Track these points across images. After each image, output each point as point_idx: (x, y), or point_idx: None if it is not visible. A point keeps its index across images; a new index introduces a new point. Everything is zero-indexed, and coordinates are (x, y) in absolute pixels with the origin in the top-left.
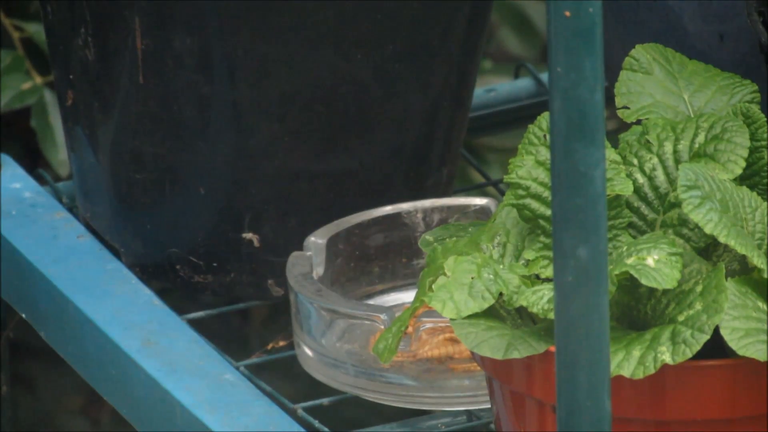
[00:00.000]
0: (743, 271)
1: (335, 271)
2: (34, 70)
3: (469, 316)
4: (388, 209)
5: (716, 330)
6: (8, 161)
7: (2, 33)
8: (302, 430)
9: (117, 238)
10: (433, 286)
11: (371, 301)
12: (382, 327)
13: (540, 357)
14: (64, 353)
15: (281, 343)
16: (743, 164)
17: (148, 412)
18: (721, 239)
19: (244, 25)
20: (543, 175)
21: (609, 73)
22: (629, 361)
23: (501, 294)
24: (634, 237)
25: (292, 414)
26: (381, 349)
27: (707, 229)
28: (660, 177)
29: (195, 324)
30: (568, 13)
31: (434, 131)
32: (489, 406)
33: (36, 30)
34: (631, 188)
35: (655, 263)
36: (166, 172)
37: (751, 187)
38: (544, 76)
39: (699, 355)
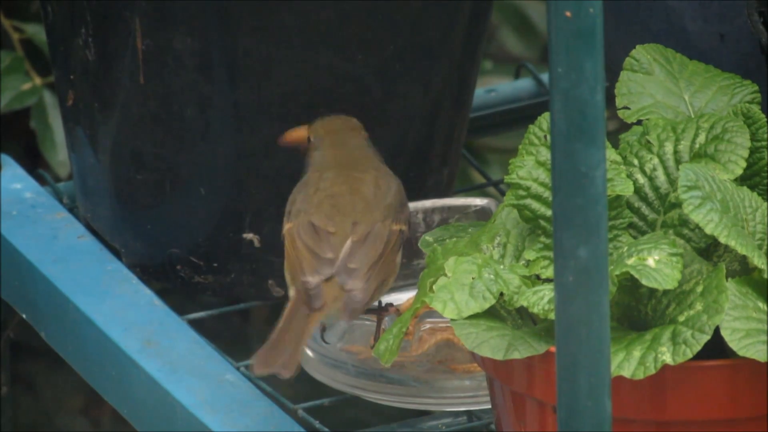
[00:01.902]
0: (744, 271)
1: None
2: (34, 71)
3: (470, 317)
4: None
5: (716, 330)
6: (9, 162)
7: (2, 34)
8: (303, 430)
9: (117, 238)
10: (434, 287)
11: None
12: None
13: (540, 357)
14: (65, 353)
15: None
16: (744, 164)
17: (148, 412)
18: (722, 240)
19: (244, 25)
20: (543, 176)
21: (609, 73)
22: (630, 362)
23: (501, 294)
24: (635, 237)
25: (293, 414)
26: (382, 351)
27: (708, 230)
28: (660, 177)
29: (195, 324)
30: (568, 14)
31: (435, 131)
32: (490, 406)
33: (35, 31)
34: (632, 188)
35: (656, 264)
36: (167, 172)
37: (752, 188)
38: (545, 77)
39: (699, 356)
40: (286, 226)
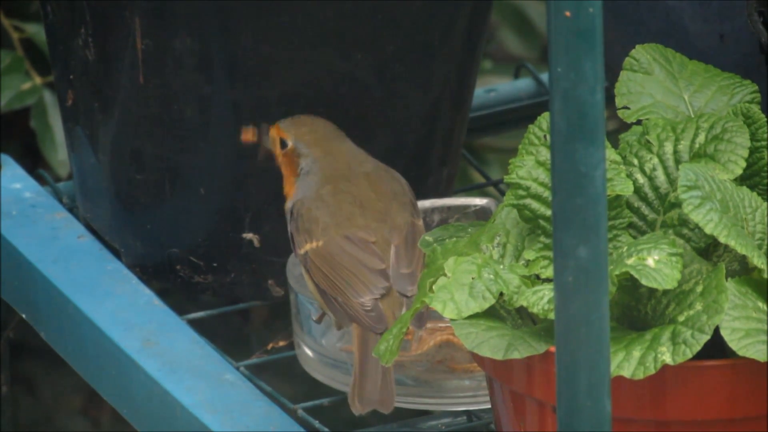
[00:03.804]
0: (743, 271)
1: None
2: (34, 70)
3: (470, 317)
4: None
5: (716, 330)
6: (9, 161)
7: (2, 33)
8: (302, 430)
9: (117, 238)
10: (433, 287)
11: None
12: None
13: (540, 357)
14: (64, 353)
15: (281, 344)
16: (743, 164)
17: (148, 412)
18: (722, 239)
19: (244, 25)
20: (543, 176)
21: (609, 73)
22: (629, 362)
23: (501, 294)
24: (635, 237)
25: (293, 414)
26: (382, 351)
27: (707, 230)
28: (660, 177)
29: (195, 324)
30: (568, 14)
31: (434, 131)
32: (489, 406)
33: (36, 30)
34: (632, 188)
35: (656, 263)
36: (167, 172)
37: (751, 188)
38: (545, 77)
39: (699, 356)
40: (310, 246)
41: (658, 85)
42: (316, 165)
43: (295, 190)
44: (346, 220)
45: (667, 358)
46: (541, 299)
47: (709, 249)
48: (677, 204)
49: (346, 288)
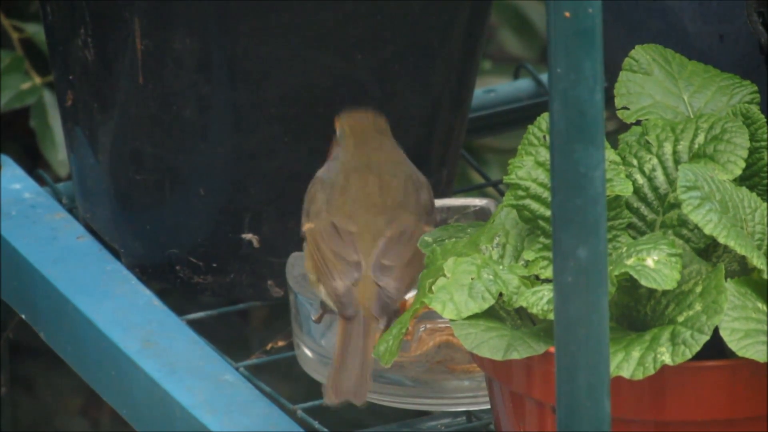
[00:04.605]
0: (743, 271)
1: None
2: (34, 70)
3: (469, 317)
4: None
5: (716, 330)
6: (8, 162)
7: (2, 33)
8: (302, 430)
9: (117, 238)
10: (433, 288)
11: None
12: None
13: (539, 358)
14: (64, 354)
15: (281, 344)
16: (743, 165)
17: (147, 412)
18: (721, 240)
19: (244, 25)
20: (543, 176)
21: (609, 73)
22: (629, 362)
23: (501, 295)
24: (634, 238)
25: (292, 415)
26: (382, 352)
27: (707, 230)
28: (660, 178)
29: (195, 325)
30: (568, 14)
31: (434, 132)
32: (489, 407)
33: (35, 30)
34: (631, 189)
35: (655, 264)
36: (166, 172)
37: (751, 188)
38: (544, 77)
39: (698, 356)
40: (306, 226)
41: (657, 86)
42: (343, 154)
43: (320, 170)
44: (337, 207)
45: (667, 359)
46: (540, 300)
47: (708, 249)
48: (677, 204)
49: (326, 271)
